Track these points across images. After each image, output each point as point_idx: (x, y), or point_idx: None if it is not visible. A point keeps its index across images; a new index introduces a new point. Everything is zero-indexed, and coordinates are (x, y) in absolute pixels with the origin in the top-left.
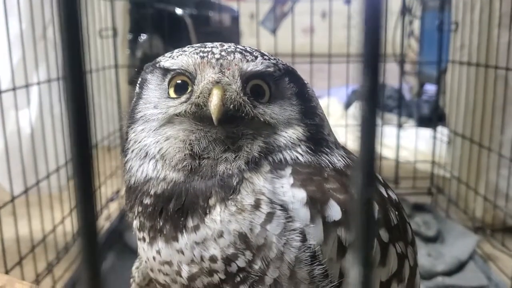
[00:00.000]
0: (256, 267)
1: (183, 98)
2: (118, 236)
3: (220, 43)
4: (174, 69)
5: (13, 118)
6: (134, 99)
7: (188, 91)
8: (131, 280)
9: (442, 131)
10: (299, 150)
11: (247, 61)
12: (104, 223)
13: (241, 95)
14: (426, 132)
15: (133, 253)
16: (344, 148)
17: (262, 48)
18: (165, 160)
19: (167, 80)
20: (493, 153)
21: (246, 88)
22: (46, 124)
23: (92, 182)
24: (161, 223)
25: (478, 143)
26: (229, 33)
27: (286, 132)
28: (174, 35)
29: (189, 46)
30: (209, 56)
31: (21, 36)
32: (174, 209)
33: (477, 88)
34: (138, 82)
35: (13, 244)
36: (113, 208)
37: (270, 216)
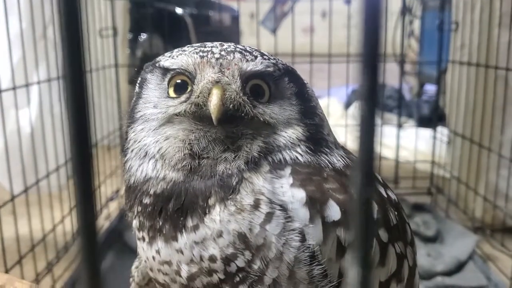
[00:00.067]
0: (255, 267)
1: (183, 97)
2: (117, 235)
3: (219, 42)
4: (173, 69)
5: (13, 117)
6: (134, 99)
7: (188, 90)
8: (131, 279)
9: (442, 131)
10: (298, 150)
11: (247, 60)
12: (103, 222)
13: (241, 95)
14: (426, 132)
15: (133, 252)
16: (343, 148)
17: (262, 48)
18: (164, 160)
19: (166, 79)
20: (493, 153)
21: (246, 88)
22: (46, 123)
23: (92, 182)
24: (160, 223)
25: (478, 143)
26: (229, 32)
27: (285, 132)
28: (174, 35)
29: (188, 45)
30: (209, 56)
31: (21, 35)
32: (173, 209)
33: (477, 88)
34: (138, 81)
35: (13, 243)
36: (113, 208)
37: (269, 216)
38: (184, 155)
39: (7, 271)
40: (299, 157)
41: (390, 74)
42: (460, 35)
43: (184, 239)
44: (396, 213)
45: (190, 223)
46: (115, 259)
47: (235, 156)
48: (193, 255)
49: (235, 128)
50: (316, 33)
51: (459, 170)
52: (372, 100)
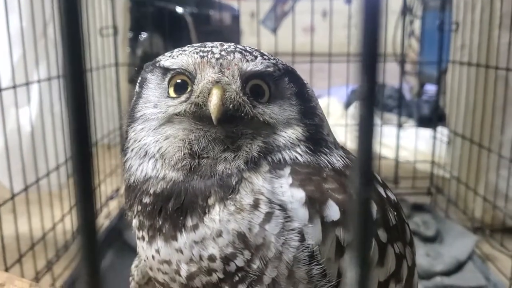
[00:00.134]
0: (255, 266)
1: (183, 97)
2: (117, 234)
3: (220, 42)
4: (174, 69)
5: (13, 116)
6: (134, 98)
7: (188, 90)
8: (130, 278)
9: (442, 131)
10: (298, 150)
11: (247, 61)
12: (103, 221)
13: (241, 95)
14: (426, 132)
15: (133, 251)
16: (343, 148)
17: (263, 47)
18: (164, 159)
19: (167, 79)
20: (493, 153)
21: (246, 88)
22: (46, 122)
23: (92, 180)
24: (160, 222)
25: (478, 144)
26: (229, 32)
27: (285, 132)
28: (174, 34)
29: (189, 45)
30: (209, 56)
31: (22, 34)
32: (173, 208)
33: (477, 89)
34: (138, 81)
35: (12, 241)
36: (113, 206)
37: (268, 216)
38: (184, 154)
39: (7, 270)
40: (299, 157)
41: (390, 74)
42: (460, 35)
43: (183, 239)
44: (395, 213)
45: (189, 222)
46: (115, 258)
47: (235, 156)
48: (193, 254)
49: (235, 128)
50: (316, 32)
51: (459, 170)
52: (371, 100)
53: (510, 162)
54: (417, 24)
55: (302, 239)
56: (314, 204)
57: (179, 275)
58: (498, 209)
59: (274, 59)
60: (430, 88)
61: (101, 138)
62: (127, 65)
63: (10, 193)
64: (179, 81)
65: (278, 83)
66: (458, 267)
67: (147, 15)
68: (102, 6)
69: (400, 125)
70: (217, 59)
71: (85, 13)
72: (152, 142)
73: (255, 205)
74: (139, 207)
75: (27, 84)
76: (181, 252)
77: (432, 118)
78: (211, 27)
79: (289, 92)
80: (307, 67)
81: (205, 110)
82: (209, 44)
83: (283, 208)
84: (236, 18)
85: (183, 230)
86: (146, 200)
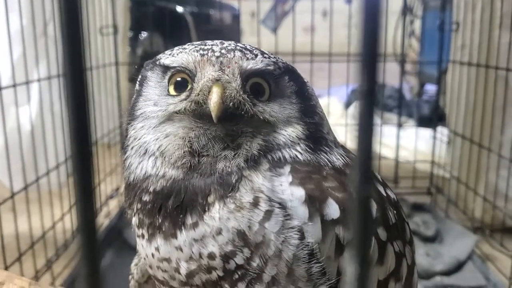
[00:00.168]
0: (254, 264)
1: (183, 95)
2: (117, 233)
3: (220, 41)
4: (174, 67)
5: (13, 114)
6: (134, 96)
7: (188, 88)
8: (130, 277)
9: (442, 131)
10: (298, 148)
11: (247, 59)
12: (103, 220)
13: (241, 93)
14: (426, 132)
15: (132, 250)
16: (343, 147)
17: (263, 47)
18: (164, 157)
19: (167, 77)
20: (492, 153)
21: (246, 86)
22: (46, 121)
23: (92, 179)
24: (160, 220)
25: (478, 144)
26: (230, 31)
27: (285, 131)
28: (174, 33)
29: (189, 43)
30: (209, 54)
31: (22, 33)
32: (173, 206)
33: (477, 89)
34: (138, 79)
35: (12, 240)
36: (113, 206)
37: (268, 214)
38: (184, 152)
39: (6, 268)
40: (299, 156)
41: (390, 74)
42: (460, 35)
43: (183, 237)
44: (395, 212)
45: (189, 220)
46: (115, 257)
47: (235, 154)
48: (192, 252)
49: (235, 126)
50: (316, 32)
51: (459, 170)
52: (371, 99)
53: (510, 162)
54: (417, 24)
55: (302, 237)
56: (314, 202)
57: (179, 273)
58: (498, 209)
59: (274, 57)
60: (430, 88)
61: (101, 137)
62: (127, 64)
63: (10, 192)
64: (179, 79)
65: (278, 81)
66: (458, 267)
67: (147, 15)
68: (102, 5)
69: (400, 125)
70: (218, 57)
71: (85, 11)
72: (152, 140)
73: (255, 203)
74: (139, 205)
75: (27, 83)
76: (181, 250)
77: (432, 118)
78: (212, 27)
79: (289, 91)
80: (307, 66)
81: (205, 108)
82: (209, 42)
83: (283, 206)
84: (236, 17)
85: (182, 228)
86: (146, 198)
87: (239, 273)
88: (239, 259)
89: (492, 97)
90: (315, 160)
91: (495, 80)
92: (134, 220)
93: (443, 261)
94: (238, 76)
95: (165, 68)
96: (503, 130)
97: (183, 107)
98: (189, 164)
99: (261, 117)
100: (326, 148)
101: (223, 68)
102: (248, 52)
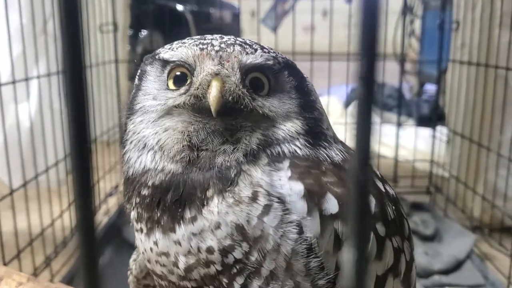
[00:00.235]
0: (253, 258)
1: (182, 89)
2: (116, 231)
3: (219, 35)
4: (173, 61)
5: (12, 111)
6: (133, 91)
7: (187, 82)
8: (129, 272)
9: (442, 131)
10: (297, 143)
11: (247, 53)
12: (102, 218)
13: (240, 87)
14: (426, 131)
15: (131, 248)
16: (342, 143)
17: None
18: (163, 151)
19: (166, 71)
20: (492, 153)
21: (245, 81)
22: (45, 118)
23: (91, 177)
24: (158, 214)
25: (477, 143)
26: (229, 30)
27: (284, 125)
28: (174, 31)
29: (188, 38)
30: (209, 48)
31: (22, 30)
32: (171, 200)
33: (477, 88)
34: (138, 73)
35: (11, 237)
36: (112, 203)
37: (267, 208)
38: (183, 146)
39: (5, 265)
40: (298, 150)
41: (390, 73)
42: (460, 34)
43: (182, 231)
44: (394, 207)
45: (188, 214)
46: (114, 255)
47: (234, 149)
48: (191, 246)
49: (234, 120)
50: (316, 31)
51: (458, 169)
52: (369, 99)
53: (509, 162)
54: (417, 24)
55: (301, 231)
56: (313, 197)
57: (177, 267)
58: (496, 208)
59: (274, 52)
60: (430, 88)
61: (101, 135)
62: (127, 62)
63: (8, 189)
64: (178, 73)
65: (277, 76)
66: (456, 266)
67: (147, 13)
68: (102, 2)
69: (399, 124)
70: (217, 51)
71: (85, 9)
72: (151, 134)
73: (254, 198)
74: (138, 199)
75: (27, 79)
76: (179, 244)
77: (432, 117)
78: (212, 25)
79: (289, 86)
80: (307, 66)
81: (204, 102)
82: (209, 36)
83: (281, 200)
84: (236, 16)
85: (181, 222)
86: (145, 192)
87: (238, 267)
88: (237, 253)
89: (492, 96)
90: (314, 155)
91: (494, 79)
92: (133, 214)
93: (442, 260)
94: (238, 70)
95: (165, 62)
96: (502, 130)
97: (182, 101)
98: (188, 158)
99: (260, 112)
100: (325, 143)
101: (223, 62)
102: (247, 46)
